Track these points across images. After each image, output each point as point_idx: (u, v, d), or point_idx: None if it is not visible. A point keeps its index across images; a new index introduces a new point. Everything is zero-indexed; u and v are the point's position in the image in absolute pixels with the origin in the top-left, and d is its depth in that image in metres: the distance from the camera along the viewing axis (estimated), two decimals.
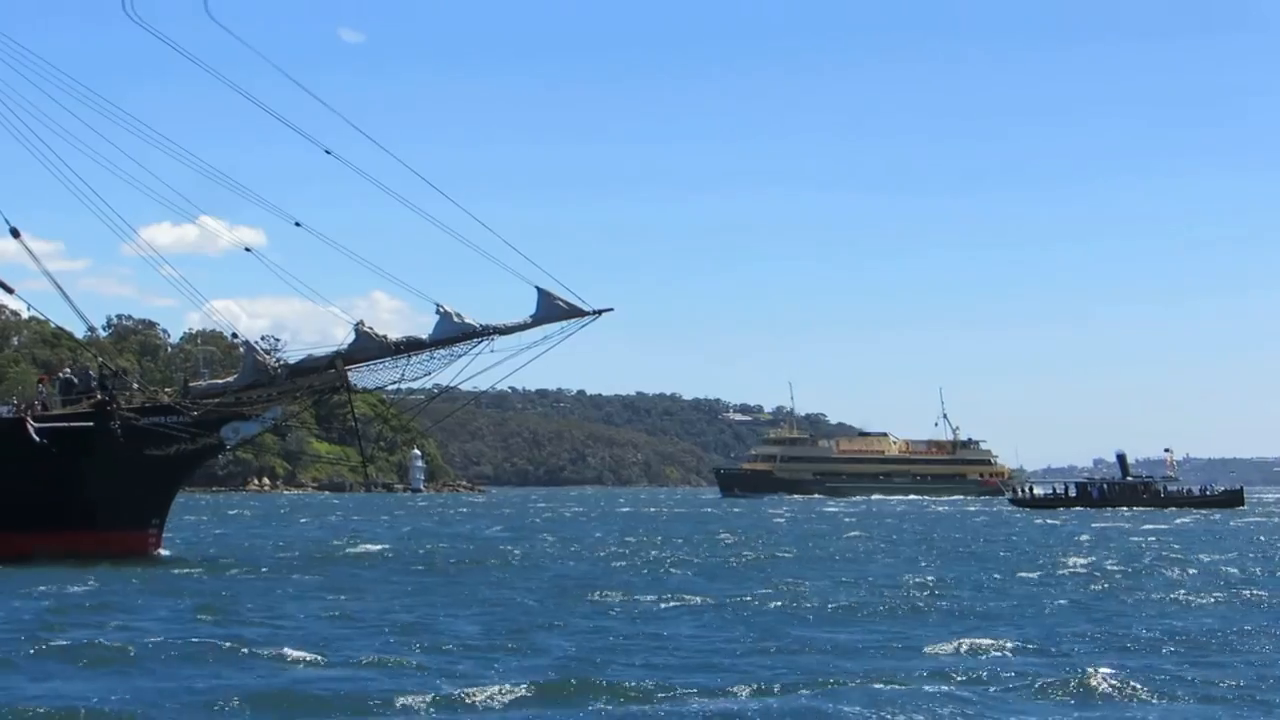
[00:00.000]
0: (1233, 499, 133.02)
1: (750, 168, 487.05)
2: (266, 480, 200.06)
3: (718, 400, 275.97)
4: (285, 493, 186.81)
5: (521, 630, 27.38)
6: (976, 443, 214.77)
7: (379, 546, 57.38)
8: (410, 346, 48.56)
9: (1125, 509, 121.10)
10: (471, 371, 49.25)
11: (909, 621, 29.64)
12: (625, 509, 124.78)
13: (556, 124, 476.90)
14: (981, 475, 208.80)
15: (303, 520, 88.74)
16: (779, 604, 32.75)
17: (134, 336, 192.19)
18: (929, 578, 41.74)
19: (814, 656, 24.07)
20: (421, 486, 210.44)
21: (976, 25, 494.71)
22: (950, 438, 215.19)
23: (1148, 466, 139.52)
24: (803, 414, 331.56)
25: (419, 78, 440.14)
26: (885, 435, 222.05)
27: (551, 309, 48.79)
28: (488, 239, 49.35)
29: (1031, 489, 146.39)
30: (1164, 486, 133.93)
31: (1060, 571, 45.27)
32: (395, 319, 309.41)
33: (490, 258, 48.54)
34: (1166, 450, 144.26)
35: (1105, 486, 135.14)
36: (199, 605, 31.18)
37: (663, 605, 32.46)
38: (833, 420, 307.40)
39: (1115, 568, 47.35)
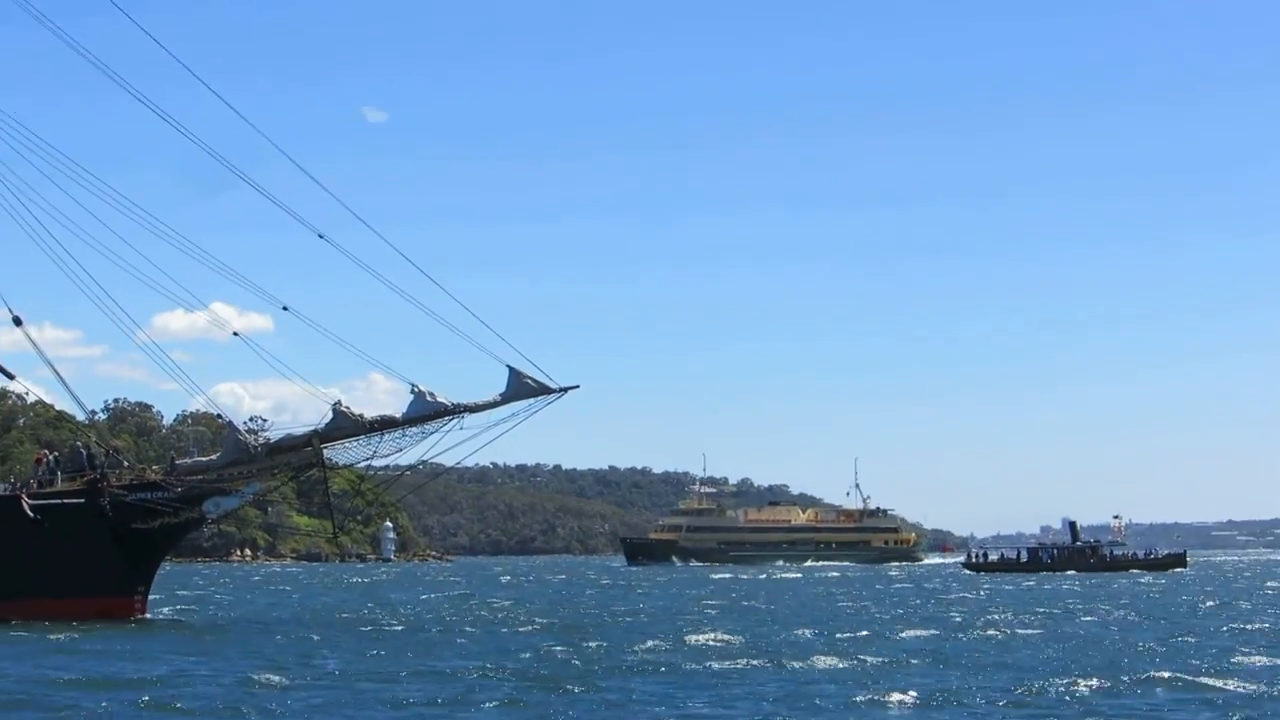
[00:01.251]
0: (1176, 561, 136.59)
1: (713, 245, 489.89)
2: (248, 551, 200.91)
3: (685, 473, 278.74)
4: (266, 564, 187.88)
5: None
6: (884, 511, 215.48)
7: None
8: (383, 425, 49.97)
9: (1073, 572, 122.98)
10: (443, 447, 50.47)
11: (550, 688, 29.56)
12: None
13: (541, 203, 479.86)
14: (886, 542, 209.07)
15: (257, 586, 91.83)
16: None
17: (131, 418, 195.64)
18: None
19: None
20: (392, 556, 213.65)
21: (909, 105, 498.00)
22: (860, 506, 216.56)
23: (1090, 532, 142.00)
24: (765, 485, 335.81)
25: (434, 157, 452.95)
26: (794, 506, 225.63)
27: (520, 387, 50.19)
28: (466, 319, 50.28)
29: (985, 554, 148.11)
30: (1110, 551, 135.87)
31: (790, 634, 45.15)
32: (391, 399, 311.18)
33: (468, 339, 49.84)
34: (1115, 517, 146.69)
35: (1055, 551, 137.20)
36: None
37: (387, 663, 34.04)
38: (794, 490, 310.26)
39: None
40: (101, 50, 51.99)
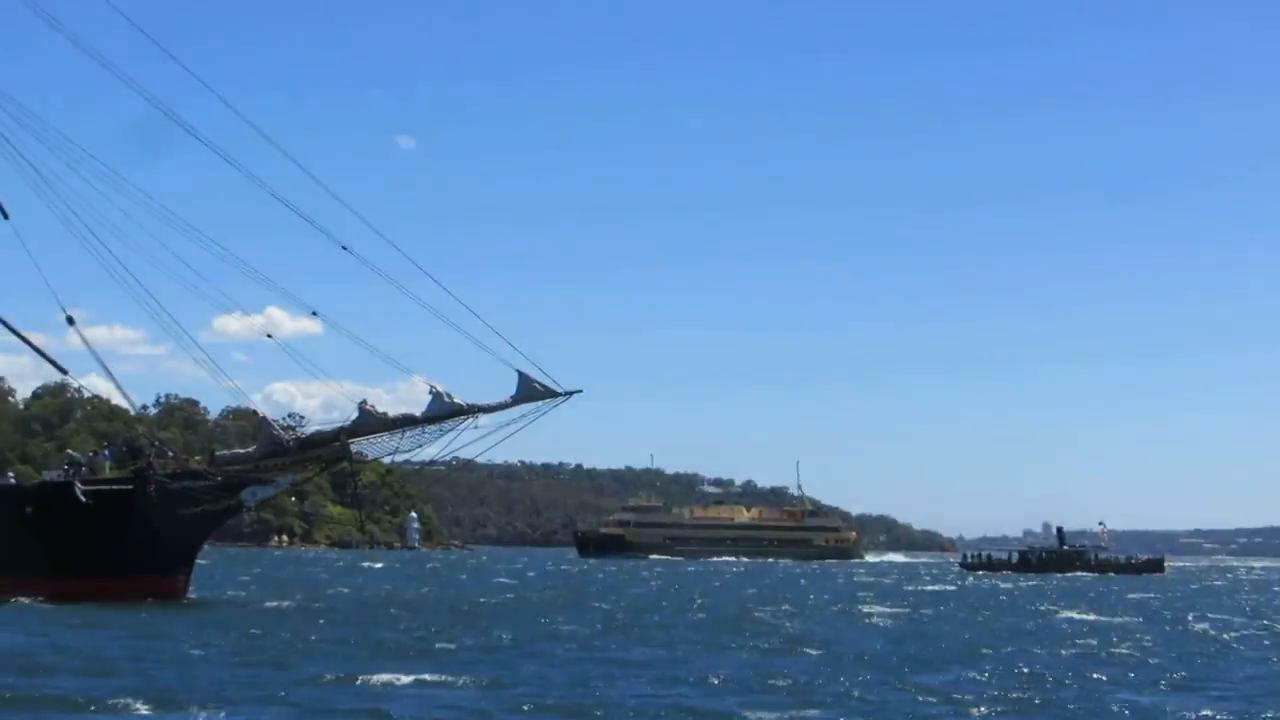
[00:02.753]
0: (1154, 566, 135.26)
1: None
2: (285, 537, 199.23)
3: (695, 474, 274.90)
4: (302, 550, 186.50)
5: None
6: (826, 511, 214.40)
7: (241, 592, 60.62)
8: (405, 422, 49.89)
9: (1060, 574, 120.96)
10: (461, 444, 50.48)
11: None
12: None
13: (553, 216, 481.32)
14: (827, 540, 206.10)
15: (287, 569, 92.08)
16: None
17: (179, 413, 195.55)
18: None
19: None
20: (416, 544, 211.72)
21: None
22: (806, 507, 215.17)
23: (1070, 537, 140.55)
24: (767, 487, 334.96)
25: (455, 178, 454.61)
26: (738, 505, 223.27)
27: (530, 390, 50.06)
28: (482, 326, 50.62)
29: (979, 555, 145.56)
30: (1095, 554, 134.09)
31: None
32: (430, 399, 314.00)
33: (483, 346, 50.02)
34: (1100, 524, 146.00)
35: (1044, 554, 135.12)
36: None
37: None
38: (792, 491, 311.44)
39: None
40: (166, 93, 52.52)
